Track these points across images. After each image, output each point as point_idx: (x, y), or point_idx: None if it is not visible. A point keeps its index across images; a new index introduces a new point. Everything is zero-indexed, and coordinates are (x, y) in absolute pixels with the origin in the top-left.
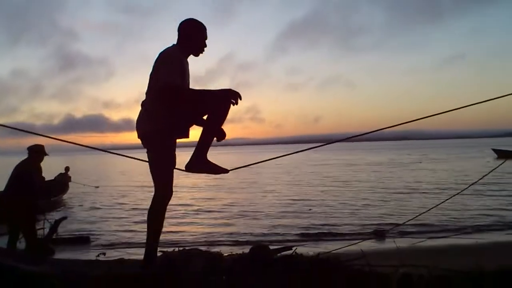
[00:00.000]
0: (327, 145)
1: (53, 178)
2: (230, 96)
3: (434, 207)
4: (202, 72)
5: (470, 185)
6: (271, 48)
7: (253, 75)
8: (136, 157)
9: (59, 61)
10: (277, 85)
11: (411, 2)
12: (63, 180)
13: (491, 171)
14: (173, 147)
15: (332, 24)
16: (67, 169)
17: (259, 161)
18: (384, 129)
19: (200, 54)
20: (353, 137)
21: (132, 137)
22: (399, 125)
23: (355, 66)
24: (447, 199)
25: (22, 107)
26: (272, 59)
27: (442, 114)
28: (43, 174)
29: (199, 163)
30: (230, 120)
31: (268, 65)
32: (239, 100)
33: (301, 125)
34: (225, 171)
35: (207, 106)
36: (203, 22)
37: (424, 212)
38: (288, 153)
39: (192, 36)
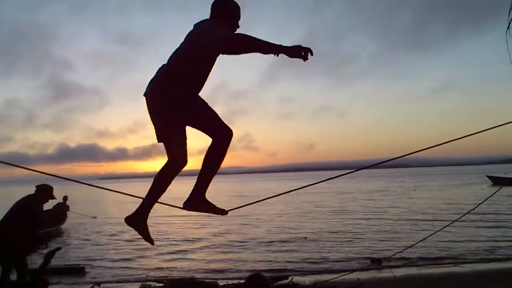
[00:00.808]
0: (321, 174)
1: (51, 207)
2: (301, 49)
3: (430, 235)
4: None
5: (466, 214)
6: (263, 77)
7: (246, 103)
8: (122, 192)
9: (52, 90)
10: (270, 114)
11: (399, 32)
12: (61, 210)
13: (486, 199)
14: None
15: (322, 53)
16: (65, 198)
17: (260, 199)
18: (397, 158)
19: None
20: (376, 164)
21: (127, 166)
22: (393, 153)
23: (346, 94)
24: (443, 228)
25: (15, 136)
26: (265, 88)
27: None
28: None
29: (198, 203)
30: None
31: (260, 94)
32: (309, 55)
33: (295, 153)
34: (224, 212)
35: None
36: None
37: (420, 241)
38: (294, 188)
39: (228, 13)
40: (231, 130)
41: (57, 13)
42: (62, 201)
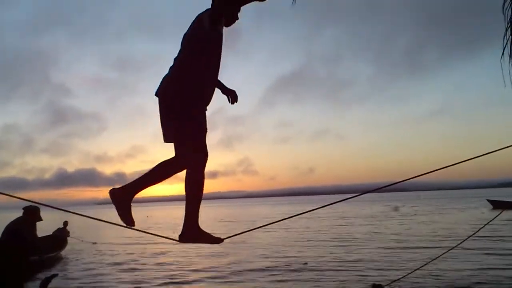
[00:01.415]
0: (320, 198)
1: (51, 233)
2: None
3: (429, 262)
4: None
5: (466, 239)
6: (259, 102)
7: (244, 128)
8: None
9: (51, 115)
10: (268, 138)
11: (395, 57)
12: (61, 235)
13: (487, 223)
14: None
15: (318, 78)
16: (65, 224)
17: (257, 226)
18: (397, 183)
19: (232, 24)
20: (379, 188)
21: None
22: (391, 176)
23: (343, 118)
24: (443, 254)
25: (13, 161)
26: (261, 113)
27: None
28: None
29: (192, 234)
30: (223, 173)
31: (258, 119)
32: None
33: (294, 177)
34: (219, 241)
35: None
36: None
37: (419, 268)
38: (299, 213)
39: (227, 3)
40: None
41: (56, 40)
42: (62, 226)
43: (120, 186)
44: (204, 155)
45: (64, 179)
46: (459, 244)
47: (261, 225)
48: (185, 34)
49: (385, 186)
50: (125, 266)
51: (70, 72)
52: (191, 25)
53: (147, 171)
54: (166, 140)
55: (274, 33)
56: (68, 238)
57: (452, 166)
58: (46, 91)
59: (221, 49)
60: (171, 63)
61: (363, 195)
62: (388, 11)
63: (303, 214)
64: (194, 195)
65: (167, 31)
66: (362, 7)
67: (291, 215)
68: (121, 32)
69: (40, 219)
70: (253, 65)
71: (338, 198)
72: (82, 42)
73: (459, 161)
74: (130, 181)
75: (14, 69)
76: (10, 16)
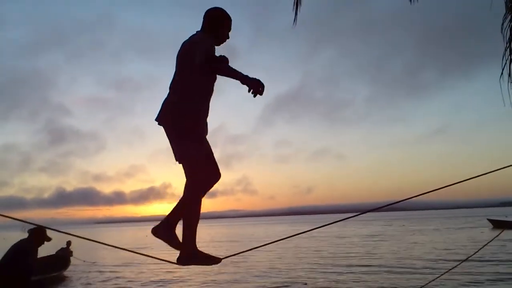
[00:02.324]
0: (319, 218)
1: (53, 253)
2: (259, 85)
3: (428, 283)
4: None
5: (466, 259)
6: (258, 121)
7: (243, 147)
8: (101, 241)
9: (49, 135)
10: (267, 157)
11: (392, 77)
12: (64, 255)
13: (487, 243)
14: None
15: (315, 98)
16: (69, 243)
17: (256, 246)
18: (398, 202)
19: (222, 44)
20: (380, 208)
21: (125, 210)
22: (391, 196)
23: (342, 138)
24: (442, 274)
25: (12, 180)
26: (260, 132)
27: (440, 186)
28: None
29: (191, 256)
30: (222, 192)
31: (256, 138)
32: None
33: (293, 196)
34: (218, 261)
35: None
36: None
37: (437, 277)
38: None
39: (216, 25)
40: (220, 174)
41: (54, 60)
42: (65, 246)
43: (158, 224)
44: (207, 176)
45: (63, 198)
46: (457, 265)
47: (258, 245)
48: (178, 54)
49: (384, 206)
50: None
51: (69, 92)
52: (183, 45)
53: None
54: (177, 160)
55: (271, 53)
56: (71, 258)
57: (452, 185)
58: (45, 111)
59: None
60: (167, 85)
61: (362, 215)
62: (384, 32)
63: (303, 234)
64: (189, 216)
65: (163, 53)
66: (359, 28)
67: (289, 236)
68: (118, 53)
69: (49, 239)
70: None
71: (337, 218)
72: (80, 62)
73: (460, 181)
74: (130, 203)
75: (13, 89)
76: (9, 36)
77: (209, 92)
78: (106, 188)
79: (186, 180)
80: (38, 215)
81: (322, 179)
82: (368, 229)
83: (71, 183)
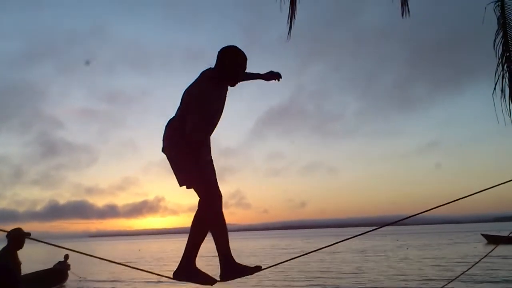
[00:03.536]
0: (311, 232)
1: (51, 266)
2: (275, 74)
3: None
4: None
5: (459, 276)
6: (250, 135)
7: (236, 160)
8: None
9: (41, 147)
10: (260, 171)
11: (382, 92)
12: (62, 268)
13: (481, 259)
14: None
15: (307, 111)
16: (66, 257)
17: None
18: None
19: (237, 85)
20: (380, 227)
21: (118, 224)
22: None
23: (334, 152)
24: (444, 286)
25: (4, 193)
26: (252, 146)
27: (434, 202)
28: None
29: (186, 272)
30: None
31: (249, 152)
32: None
33: (287, 210)
34: (213, 282)
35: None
36: (244, 52)
37: None
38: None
39: (227, 64)
40: (221, 196)
41: (46, 72)
42: (63, 259)
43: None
44: (213, 197)
45: (55, 211)
46: (450, 282)
47: (255, 261)
48: (187, 90)
49: (381, 227)
50: None
51: (60, 104)
52: (194, 82)
53: (190, 233)
54: (181, 184)
55: (263, 66)
56: (69, 272)
57: (449, 200)
58: (36, 123)
59: (224, 101)
60: (159, 98)
61: (354, 229)
62: (374, 47)
63: (292, 250)
64: (193, 233)
65: (156, 66)
66: (350, 42)
67: (309, 251)
68: (109, 66)
69: (27, 234)
70: (243, 98)
71: (331, 232)
72: (71, 75)
73: (456, 199)
74: (122, 217)
75: (4, 101)
76: (0, 47)
77: (213, 125)
78: (99, 201)
79: (200, 201)
80: (31, 228)
81: (315, 193)
82: (361, 244)
83: (64, 196)
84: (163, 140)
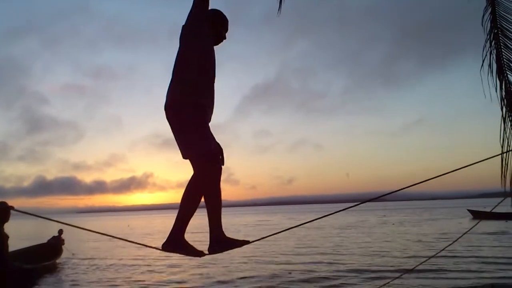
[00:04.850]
0: (301, 208)
1: (45, 241)
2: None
3: (410, 270)
4: (171, 134)
5: (445, 248)
6: (237, 111)
7: (224, 136)
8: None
9: (26, 124)
10: (248, 147)
11: (368, 70)
12: (56, 243)
13: (461, 236)
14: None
15: (292, 88)
16: (60, 232)
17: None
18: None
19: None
20: (382, 196)
21: (106, 200)
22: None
23: (319, 129)
24: (422, 263)
25: None
26: (239, 122)
27: (420, 178)
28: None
29: (175, 244)
30: None
31: (236, 128)
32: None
33: (275, 186)
34: (201, 254)
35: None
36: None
37: (397, 277)
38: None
39: (217, 23)
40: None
41: (30, 48)
42: (57, 234)
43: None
44: (213, 165)
45: (43, 187)
46: (438, 253)
47: (244, 236)
48: (183, 26)
49: (367, 201)
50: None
51: (45, 80)
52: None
53: (180, 204)
54: (185, 156)
55: (248, 43)
56: (63, 247)
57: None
58: (21, 99)
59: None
60: (144, 73)
61: (340, 205)
62: (360, 24)
63: (281, 224)
64: (183, 206)
65: (140, 41)
66: (334, 20)
67: (281, 230)
68: (93, 40)
69: (11, 208)
70: (227, 75)
71: (318, 208)
72: (55, 50)
73: (441, 174)
74: (111, 192)
75: None
76: None
77: (213, 75)
78: (87, 177)
79: (194, 175)
80: (19, 204)
81: (302, 169)
82: (344, 220)
83: (51, 172)
84: (165, 108)
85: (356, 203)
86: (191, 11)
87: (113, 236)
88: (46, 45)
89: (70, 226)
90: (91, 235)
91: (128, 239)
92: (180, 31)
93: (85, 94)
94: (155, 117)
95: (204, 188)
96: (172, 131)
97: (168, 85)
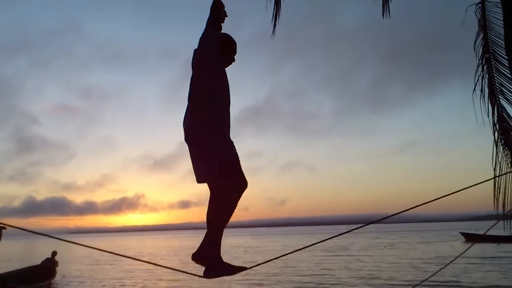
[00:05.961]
0: (293, 230)
1: (39, 263)
2: None
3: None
4: (162, 156)
5: (437, 272)
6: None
7: None
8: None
9: (16, 144)
10: None
11: (358, 92)
12: (50, 265)
13: (458, 256)
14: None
15: (282, 111)
16: (54, 253)
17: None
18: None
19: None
20: (365, 225)
21: (97, 220)
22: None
23: (310, 151)
24: (415, 286)
25: None
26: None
27: (412, 200)
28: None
29: (218, 268)
30: (196, 203)
31: None
32: None
33: (267, 208)
34: (243, 268)
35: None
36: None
37: None
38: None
39: (225, 47)
40: (247, 182)
41: (21, 68)
42: (50, 256)
43: (206, 265)
44: (232, 177)
45: (33, 208)
46: (428, 278)
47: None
48: (195, 51)
49: (364, 225)
50: None
51: (36, 100)
52: (200, 42)
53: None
54: (200, 178)
55: (237, 66)
56: (57, 269)
57: (428, 199)
58: (11, 119)
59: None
60: (136, 94)
61: (334, 228)
62: (350, 47)
63: (269, 247)
64: (214, 227)
65: (131, 62)
66: (325, 42)
67: (277, 256)
68: (84, 61)
69: (3, 227)
70: None
71: (311, 230)
72: (47, 70)
73: (434, 198)
74: (101, 213)
75: None
76: None
77: (227, 96)
78: (77, 198)
79: (212, 197)
80: (8, 224)
81: (294, 191)
82: (336, 242)
83: (41, 192)
84: (184, 131)
85: (352, 228)
86: (203, 35)
87: (137, 259)
88: (38, 65)
89: (63, 246)
90: (83, 256)
91: (166, 266)
92: (192, 55)
93: (77, 114)
94: (146, 138)
95: (226, 205)
96: (190, 152)
97: (185, 109)
